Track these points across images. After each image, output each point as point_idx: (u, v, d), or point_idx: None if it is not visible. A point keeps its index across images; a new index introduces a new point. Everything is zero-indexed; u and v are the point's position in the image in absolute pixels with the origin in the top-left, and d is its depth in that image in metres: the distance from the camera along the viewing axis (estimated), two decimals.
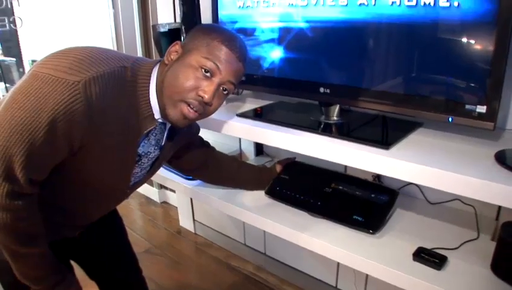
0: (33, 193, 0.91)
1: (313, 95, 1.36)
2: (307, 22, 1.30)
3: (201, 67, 0.98)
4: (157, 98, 1.01)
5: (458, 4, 1.01)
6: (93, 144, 0.92)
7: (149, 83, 1.00)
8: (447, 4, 1.02)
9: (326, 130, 1.27)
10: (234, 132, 1.37)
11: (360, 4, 1.17)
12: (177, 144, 1.26)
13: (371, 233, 1.22)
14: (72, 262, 1.32)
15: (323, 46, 1.30)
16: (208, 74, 0.99)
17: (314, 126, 1.30)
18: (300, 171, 1.51)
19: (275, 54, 1.42)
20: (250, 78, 1.53)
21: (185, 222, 2.71)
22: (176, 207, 2.82)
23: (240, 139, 1.96)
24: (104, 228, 1.35)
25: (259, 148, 1.94)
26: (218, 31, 1.05)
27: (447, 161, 0.99)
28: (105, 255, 1.38)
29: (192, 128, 1.36)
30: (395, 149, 1.09)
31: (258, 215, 1.37)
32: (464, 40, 1.02)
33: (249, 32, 1.48)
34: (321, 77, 1.32)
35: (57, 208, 1.07)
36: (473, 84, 1.03)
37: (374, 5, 1.15)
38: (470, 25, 1.00)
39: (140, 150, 1.07)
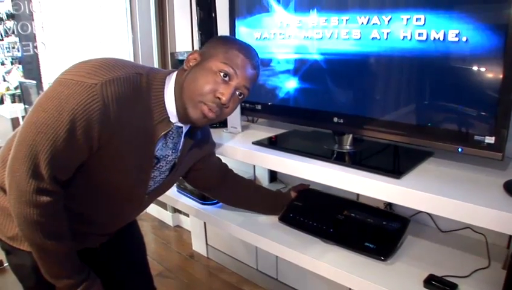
0: (58, 191, 0.98)
1: (327, 124, 1.41)
2: (322, 54, 1.36)
3: (220, 72, 1.05)
4: (176, 101, 1.07)
5: (466, 39, 1.05)
6: (111, 144, 0.98)
7: (163, 88, 1.07)
8: (456, 39, 1.07)
9: (339, 158, 1.31)
10: (249, 159, 1.42)
11: (373, 38, 1.22)
12: (195, 152, 1.29)
13: (382, 260, 1.24)
14: None
15: (337, 78, 1.35)
16: (226, 78, 1.06)
17: (328, 155, 1.34)
18: (314, 198, 1.54)
19: (290, 84, 1.47)
20: (266, 106, 1.59)
21: (198, 246, 2.73)
22: (189, 231, 2.85)
23: (254, 165, 1.99)
24: (125, 243, 1.39)
25: (273, 175, 1.98)
26: (234, 40, 1.17)
27: (457, 190, 1.02)
28: (122, 270, 1.41)
29: (210, 139, 1.40)
30: (406, 178, 1.12)
31: (271, 240, 1.39)
32: (473, 73, 1.07)
33: (265, 63, 1.54)
34: (335, 107, 1.37)
35: (77, 215, 1.12)
36: (481, 116, 1.07)
37: (386, 39, 1.20)
38: (478, 59, 1.05)
39: (158, 152, 1.11)
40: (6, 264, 2.63)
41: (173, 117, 1.09)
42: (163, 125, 1.07)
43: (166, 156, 1.15)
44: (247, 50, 1.11)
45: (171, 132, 1.11)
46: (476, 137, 1.09)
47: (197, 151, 1.30)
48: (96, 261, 1.31)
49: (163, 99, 1.06)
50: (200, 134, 1.25)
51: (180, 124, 1.12)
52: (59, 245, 1.00)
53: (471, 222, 0.96)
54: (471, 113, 1.09)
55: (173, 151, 1.16)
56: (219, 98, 1.05)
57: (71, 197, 1.05)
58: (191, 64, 1.09)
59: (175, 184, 1.81)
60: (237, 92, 1.09)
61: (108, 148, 0.99)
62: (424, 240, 1.39)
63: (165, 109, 1.07)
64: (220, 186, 1.48)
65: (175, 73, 1.11)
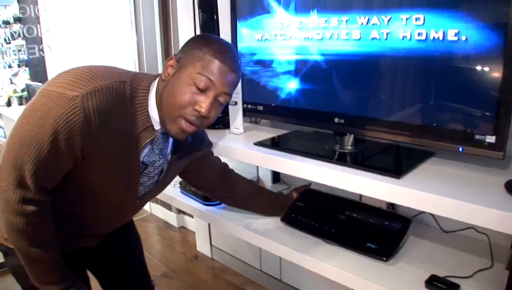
0: (45, 200, 0.99)
1: (328, 125, 1.41)
2: (322, 54, 1.36)
3: (195, 84, 1.02)
4: (158, 110, 1.06)
5: (466, 38, 1.05)
6: (95, 154, 0.99)
7: (148, 96, 1.05)
8: (455, 38, 1.07)
9: (340, 159, 1.31)
10: (252, 160, 1.42)
11: (373, 38, 1.22)
12: (186, 156, 1.28)
13: (384, 260, 1.24)
14: (89, 273, 1.37)
15: (337, 78, 1.35)
16: (204, 89, 1.03)
17: (329, 155, 1.34)
18: (316, 198, 1.54)
19: (292, 85, 1.48)
20: (268, 108, 1.59)
21: (202, 246, 2.74)
22: (194, 232, 2.86)
23: (257, 166, 2.00)
24: (121, 243, 1.40)
25: (276, 176, 1.98)
26: (210, 44, 1.06)
27: (458, 190, 1.02)
28: (119, 269, 1.43)
29: (203, 141, 1.37)
30: (407, 178, 1.12)
31: (273, 241, 1.39)
32: (473, 72, 1.06)
33: (266, 64, 1.54)
34: (335, 107, 1.37)
35: (72, 218, 1.14)
36: (482, 115, 1.07)
37: (386, 39, 1.20)
38: (478, 58, 1.05)
39: (145, 159, 1.11)
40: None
41: (157, 124, 1.08)
42: (147, 133, 1.06)
43: (154, 162, 1.15)
44: (223, 53, 1.05)
45: (156, 138, 1.10)
46: (477, 136, 1.09)
47: (188, 155, 1.29)
48: (92, 260, 1.33)
49: (147, 107, 1.05)
50: (190, 138, 1.23)
51: (163, 130, 1.11)
52: (45, 253, 1.01)
53: (472, 222, 0.96)
54: (471, 112, 1.09)
55: (160, 156, 1.15)
56: (198, 110, 1.02)
57: (62, 200, 1.07)
58: (168, 72, 1.06)
59: (179, 186, 1.82)
60: (218, 98, 1.06)
61: (92, 158, 0.99)
62: (427, 240, 1.38)
63: (149, 116, 1.06)
64: (219, 186, 1.47)
65: (157, 80, 1.09)
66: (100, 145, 0.98)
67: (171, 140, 1.17)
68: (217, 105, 1.07)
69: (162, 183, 1.25)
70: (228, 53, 1.06)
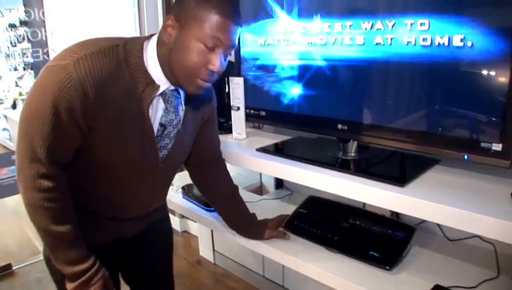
0: (59, 175, 1.01)
1: (331, 131, 1.39)
2: (326, 60, 1.35)
3: (204, 44, 1.02)
4: (163, 70, 1.06)
5: (472, 44, 1.04)
6: (100, 120, 1.00)
7: (143, 54, 1.06)
8: (461, 44, 1.05)
9: (343, 166, 1.29)
10: (254, 166, 1.41)
11: (377, 44, 1.21)
12: (199, 112, 1.26)
13: (388, 269, 1.22)
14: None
15: (340, 84, 1.34)
16: (213, 49, 1.03)
17: (332, 162, 1.32)
18: (319, 205, 1.53)
19: (295, 91, 1.46)
20: (271, 113, 1.58)
21: (205, 252, 2.72)
22: (197, 237, 2.84)
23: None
24: (155, 239, 1.39)
25: (280, 182, 1.97)
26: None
27: (463, 199, 1.00)
28: (147, 264, 1.41)
29: (212, 102, 1.34)
30: (411, 186, 1.10)
31: (275, 249, 1.38)
32: (479, 79, 1.05)
33: (270, 69, 1.53)
34: (339, 113, 1.36)
35: (102, 199, 1.14)
36: (488, 123, 1.05)
37: (390, 44, 1.18)
38: (484, 64, 1.03)
39: (163, 120, 1.12)
40: (14, 267, 2.66)
41: (163, 83, 1.08)
42: (150, 89, 1.06)
43: (171, 121, 1.14)
44: (225, 7, 1.02)
45: (167, 97, 1.11)
46: (483, 144, 1.07)
47: (198, 111, 1.27)
48: (124, 251, 1.30)
49: (145, 66, 1.06)
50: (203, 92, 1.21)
51: (173, 87, 1.11)
52: (63, 231, 1.02)
53: (478, 232, 0.95)
54: (477, 119, 1.07)
55: (175, 114, 1.15)
56: (211, 69, 1.04)
57: (87, 183, 1.09)
58: (169, 34, 1.04)
59: (181, 192, 1.81)
60: (226, 51, 1.07)
61: (99, 125, 1.00)
62: (431, 249, 1.36)
63: (148, 73, 1.06)
64: (206, 166, 1.41)
65: (153, 39, 1.08)
66: (101, 109, 0.99)
67: (182, 94, 1.16)
68: (225, 56, 1.08)
69: (180, 142, 1.21)
70: (228, 6, 1.04)
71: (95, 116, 0.98)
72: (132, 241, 1.29)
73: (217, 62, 1.03)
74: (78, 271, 1.06)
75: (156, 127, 1.11)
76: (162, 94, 1.09)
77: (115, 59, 1.00)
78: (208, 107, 1.30)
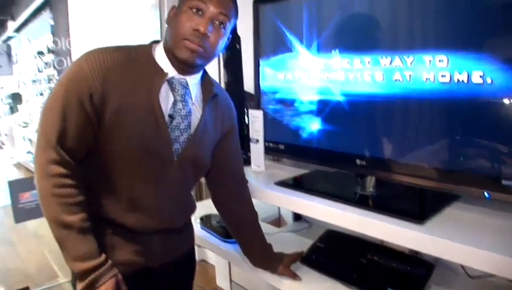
0: (71, 164, 1.05)
1: (350, 166, 1.39)
2: (345, 95, 1.36)
3: (191, 9, 1.08)
4: (167, 55, 1.13)
5: (491, 81, 1.03)
6: (110, 109, 1.05)
7: (151, 48, 1.15)
8: (480, 81, 1.05)
9: (361, 202, 1.29)
10: (272, 200, 1.41)
11: (396, 80, 1.21)
12: (218, 114, 1.27)
13: None
14: None
15: (359, 119, 1.34)
16: (200, 12, 1.08)
17: (350, 197, 1.32)
18: (337, 240, 1.52)
19: (314, 126, 1.47)
20: (289, 147, 1.59)
21: (222, 282, 2.71)
22: (214, 266, 2.83)
23: None
24: (178, 272, 1.36)
25: (298, 214, 1.96)
26: None
27: (484, 239, 0.98)
28: None
29: (231, 109, 1.35)
30: (430, 224, 1.09)
31: (293, 283, 1.37)
32: (499, 115, 1.04)
33: (289, 103, 1.55)
34: (357, 149, 1.36)
35: (117, 199, 1.14)
36: (508, 161, 1.04)
37: (409, 81, 1.19)
38: (504, 101, 1.02)
39: (171, 111, 1.14)
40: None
41: (170, 71, 1.13)
42: (159, 77, 1.12)
43: (179, 111, 1.15)
44: None
45: (174, 84, 1.14)
46: (504, 182, 1.05)
47: (217, 112, 1.27)
48: (148, 283, 1.27)
49: (153, 56, 1.13)
50: (215, 90, 1.25)
51: (180, 76, 1.15)
52: (73, 219, 1.03)
53: (500, 274, 0.92)
54: (497, 157, 1.06)
55: (184, 104, 1.16)
56: (198, 30, 1.07)
57: (99, 176, 1.12)
58: (171, 17, 1.13)
59: (199, 222, 1.82)
60: (217, 22, 1.11)
61: (110, 112, 1.06)
62: (451, 287, 1.33)
63: (156, 63, 1.13)
64: (229, 187, 1.40)
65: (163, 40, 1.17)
66: (112, 99, 1.05)
67: (197, 87, 1.21)
68: (217, 27, 1.11)
69: (195, 139, 1.19)
70: None
71: (105, 104, 1.05)
72: (160, 272, 1.26)
73: (203, 23, 1.08)
74: (88, 268, 1.05)
75: (165, 118, 1.13)
76: (168, 82, 1.13)
77: (125, 54, 1.10)
78: (227, 112, 1.32)
